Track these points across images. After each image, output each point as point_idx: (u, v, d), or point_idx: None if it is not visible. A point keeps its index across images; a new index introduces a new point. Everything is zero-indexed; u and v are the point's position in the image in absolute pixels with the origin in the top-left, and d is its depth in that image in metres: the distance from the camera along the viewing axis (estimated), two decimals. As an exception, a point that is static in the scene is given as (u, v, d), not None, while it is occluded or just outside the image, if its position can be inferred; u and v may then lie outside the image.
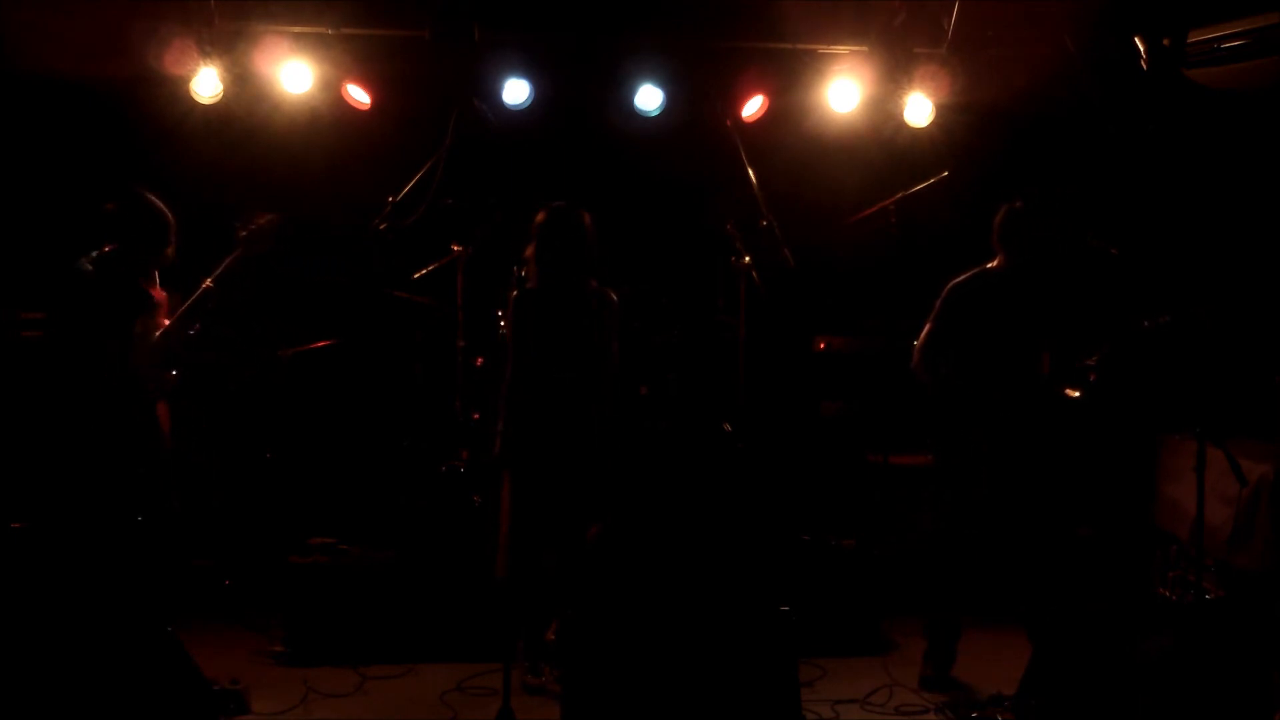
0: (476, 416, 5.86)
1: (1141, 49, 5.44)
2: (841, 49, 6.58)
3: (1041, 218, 5.03)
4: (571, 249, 5.06)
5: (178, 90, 6.14)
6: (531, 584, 5.08)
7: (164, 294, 5.01)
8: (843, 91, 6.54)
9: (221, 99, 6.14)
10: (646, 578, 5.48)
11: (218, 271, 4.87)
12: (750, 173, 6.07)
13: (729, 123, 6.43)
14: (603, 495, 5.25)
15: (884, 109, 6.54)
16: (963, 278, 5.11)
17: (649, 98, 6.56)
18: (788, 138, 6.73)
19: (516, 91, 6.46)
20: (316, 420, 6.68)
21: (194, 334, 5.06)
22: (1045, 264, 5.05)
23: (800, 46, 6.59)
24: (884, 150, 6.61)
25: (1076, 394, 5.43)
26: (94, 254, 4.79)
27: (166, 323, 4.90)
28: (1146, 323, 5.32)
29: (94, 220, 4.91)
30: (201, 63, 6.05)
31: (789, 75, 6.63)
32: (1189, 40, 5.38)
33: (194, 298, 4.85)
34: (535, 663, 5.15)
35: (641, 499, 5.78)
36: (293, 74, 6.23)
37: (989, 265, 5.12)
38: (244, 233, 4.92)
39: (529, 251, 5.11)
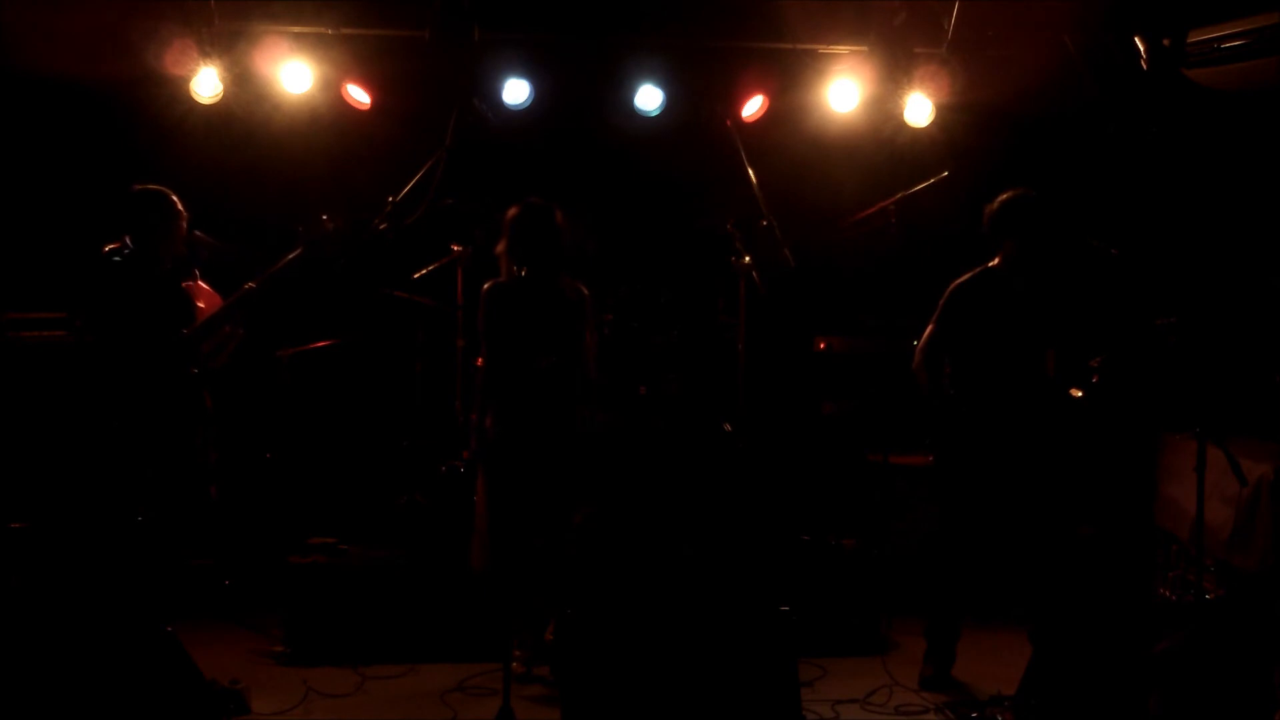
0: (475, 416, 5.86)
1: (1141, 49, 5.43)
2: (841, 49, 6.59)
3: (1041, 206, 5.03)
4: (543, 243, 5.07)
5: (178, 90, 6.15)
6: (514, 577, 5.07)
7: (209, 291, 5.04)
8: (843, 91, 6.54)
9: (221, 99, 6.15)
10: (646, 578, 5.48)
11: (269, 272, 4.87)
12: (750, 173, 6.07)
13: (729, 123, 6.43)
14: (583, 484, 5.27)
15: (884, 109, 6.54)
16: (964, 278, 5.11)
17: (649, 98, 6.57)
18: (788, 138, 6.73)
19: (516, 91, 6.46)
20: (316, 420, 6.68)
21: (238, 335, 5.08)
22: (1045, 258, 5.05)
23: (800, 46, 6.60)
24: (884, 150, 6.61)
25: (1079, 394, 5.43)
26: (106, 252, 4.81)
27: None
28: (1159, 321, 5.30)
29: (103, 218, 4.94)
30: (201, 63, 6.06)
31: (789, 75, 6.64)
32: (1189, 40, 5.38)
33: (233, 299, 4.86)
34: (531, 664, 5.16)
35: (639, 497, 5.79)
36: (293, 74, 6.24)
37: (990, 265, 5.12)
38: (307, 234, 4.94)
39: (500, 247, 5.13)
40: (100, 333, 4.94)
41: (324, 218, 5.05)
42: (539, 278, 5.04)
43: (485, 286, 5.10)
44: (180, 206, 5.04)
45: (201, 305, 5.06)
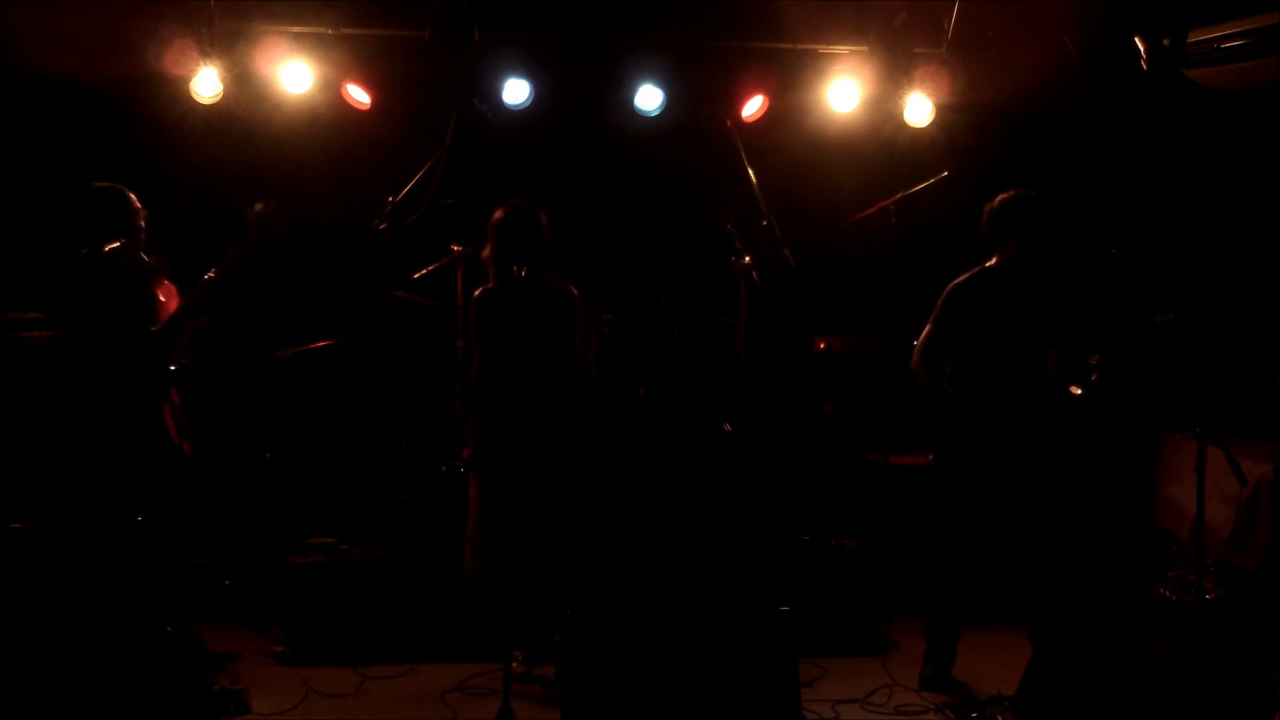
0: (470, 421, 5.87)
1: (1141, 49, 5.44)
2: (841, 49, 6.59)
3: (1041, 206, 5.03)
4: (528, 246, 5.07)
5: (178, 90, 6.15)
6: (511, 578, 5.07)
7: (173, 288, 5.02)
8: (843, 91, 6.55)
9: (221, 99, 6.15)
10: (646, 578, 5.48)
11: (226, 262, 4.85)
12: (750, 173, 6.07)
13: (729, 123, 6.43)
14: (581, 484, 5.26)
15: (884, 109, 6.54)
16: (963, 278, 5.11)
17: (649, 98, 6.57)
18: (788, 138, 6.73)
19: (516, 91, 6.47)
20: (316, 420, 6.68)
21: (201, 328, 5.06)
22: (1045, 258, 5.05)
23: (800, 46, 6.60)
24: (884, 150, 6.61)
25: (1079, 392, 5.43)
26: (88, 251, 4.78)
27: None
28: (1158, 320, 5.31)
29: (81, 217, 4.92)
30: (201, 63, 6.06)
31: (789, 75, 6.64)
32: (1189, 40, 5.38)
33: (195, 291, 4.84)
34: (531, 664, 5.16)
35: (639, 497, 5.79)
36: (293, 74, 6.24)
37: (989, 264, 5.12)
38: (255, 218, 4.91)
39: (486, 252, 5.13)
40: (80, 331, 4.92)
41: (260, 205, 4.99)
42: (526, 280, 5.05)
43: (475, 293, 5.11)
44: (138, 204, 5.01)
45: (162, 299, 5.04)
